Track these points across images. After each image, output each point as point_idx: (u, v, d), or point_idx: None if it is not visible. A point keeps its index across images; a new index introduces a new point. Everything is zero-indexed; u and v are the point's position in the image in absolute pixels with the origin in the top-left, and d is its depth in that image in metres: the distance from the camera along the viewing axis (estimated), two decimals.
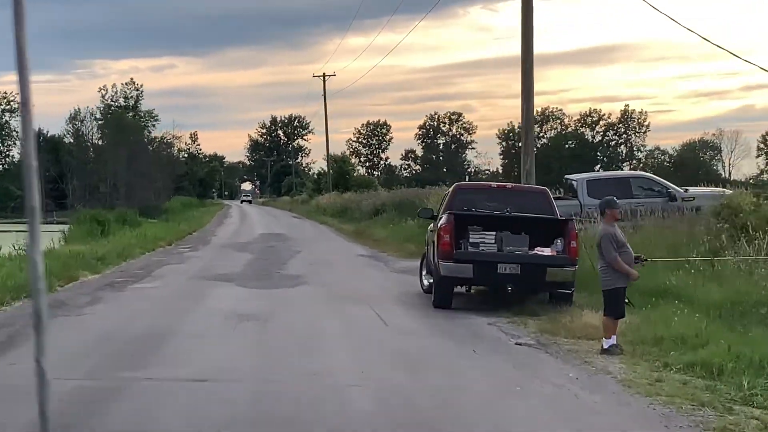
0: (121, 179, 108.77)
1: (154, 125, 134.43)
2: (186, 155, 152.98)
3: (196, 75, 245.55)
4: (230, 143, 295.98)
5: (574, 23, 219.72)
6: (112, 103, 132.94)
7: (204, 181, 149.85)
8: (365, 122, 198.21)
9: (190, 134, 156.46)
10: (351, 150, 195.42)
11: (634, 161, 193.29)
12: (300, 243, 40.14)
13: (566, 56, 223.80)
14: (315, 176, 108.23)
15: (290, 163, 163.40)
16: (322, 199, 77.03)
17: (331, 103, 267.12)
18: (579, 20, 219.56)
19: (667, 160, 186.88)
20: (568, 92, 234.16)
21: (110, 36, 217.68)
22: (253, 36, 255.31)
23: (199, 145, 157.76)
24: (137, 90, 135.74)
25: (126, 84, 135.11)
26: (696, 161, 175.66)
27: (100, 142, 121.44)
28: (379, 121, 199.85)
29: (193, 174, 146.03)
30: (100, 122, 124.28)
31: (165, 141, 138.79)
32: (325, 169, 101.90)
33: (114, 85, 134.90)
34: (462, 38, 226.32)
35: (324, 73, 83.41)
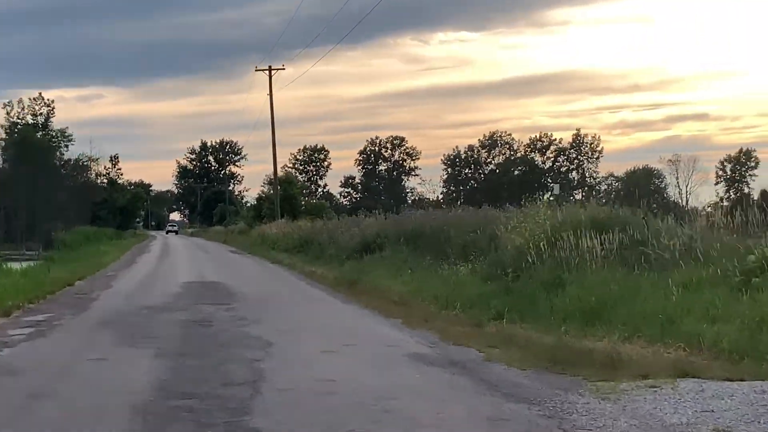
0: (22, 206, 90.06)
1: (67, 146, 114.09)
2: (105, 181, 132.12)
3: (124, 105, 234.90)
4: (159, 173, 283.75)
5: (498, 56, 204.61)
6: (19, 120, 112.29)
7: (126, 209, 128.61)
8: (302, 147, 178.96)
9: (111, 158, 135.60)
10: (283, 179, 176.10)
11: (586, 188, 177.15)
12: (256, 307, 20.92)
13: (495, 87, 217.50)
14: (255, 201, 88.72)
15: (222, 189, 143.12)
16: (269, 229, 57.82)
17: (262, 134, 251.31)
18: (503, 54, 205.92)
19: (621, 187, 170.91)
20: (497, 123, 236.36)
21: (35, 66, 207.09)
22: (183, 66, 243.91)
23: (120, 169, 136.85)
24: (48, 106, 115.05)
25: (34, 99, 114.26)
26: (647, 188, 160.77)
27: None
28: (316, 146, 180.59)
29: (113, 202, 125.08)
30: (1, 141, 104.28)
31: (80, 164, 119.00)
32: (265, 194, 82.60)
33: (21, 101, 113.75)
34: (393, 69, 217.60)
35: (270, 66, 64.57)
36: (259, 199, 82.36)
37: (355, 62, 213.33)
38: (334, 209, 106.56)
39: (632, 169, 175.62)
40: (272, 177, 79.50)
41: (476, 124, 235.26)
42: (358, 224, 36.48)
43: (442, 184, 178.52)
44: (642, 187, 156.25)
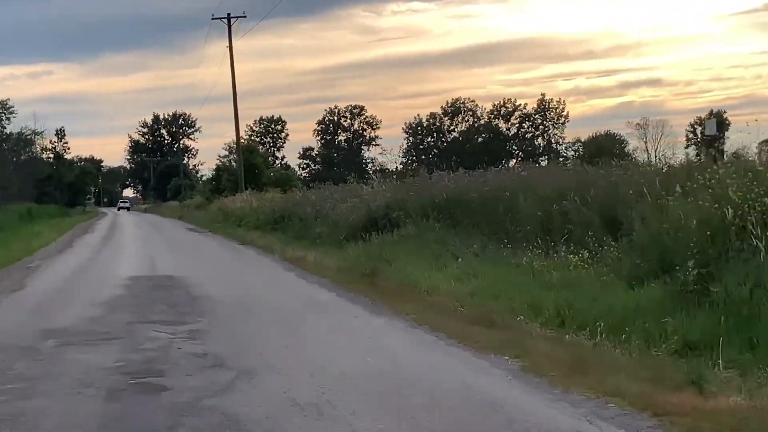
0: None
1: (8, 119, 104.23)
2: (51, 156, 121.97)
3: (75, 81, 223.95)
4: (112, 150, 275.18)
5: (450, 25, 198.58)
6: None
7: (74, 186, 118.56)
8: (258, 118, 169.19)
9: (56, 131, 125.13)
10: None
11: (552, 154, 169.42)
12: (236, 327, 12.45)
13: (449, 57, 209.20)
14: (212, 173, 79.53)
15: (176, 163, 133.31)
16: (232, 203, 48.96)
17: (216, 108, 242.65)
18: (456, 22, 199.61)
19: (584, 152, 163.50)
20: (451, 93, 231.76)
21: None
22: (133, 41, 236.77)
23: (66, 143, 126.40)
24: None
25: None
26: (612, 153, 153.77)
27: None
28: (272, 117, 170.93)
29: (60, 178, 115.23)
30: None
31: (23, 138, 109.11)
32: (223, 164, 73.67)
33: None
34: (346, 40, 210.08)
35: (229, 14, 55.26)
36: (218, 170, 73.34)
37: (308, 34, 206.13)
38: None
39: (593, 134, 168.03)
40: (231, 146, 70.60)
41: (431, 94, 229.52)
42: (357, 193, 27.84)
43: (401, 154, 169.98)
44: (607, 151, 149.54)
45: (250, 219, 40.42)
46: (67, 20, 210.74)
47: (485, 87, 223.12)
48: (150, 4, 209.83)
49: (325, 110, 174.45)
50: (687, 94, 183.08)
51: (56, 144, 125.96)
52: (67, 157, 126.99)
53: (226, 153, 72.37)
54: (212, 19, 54.47)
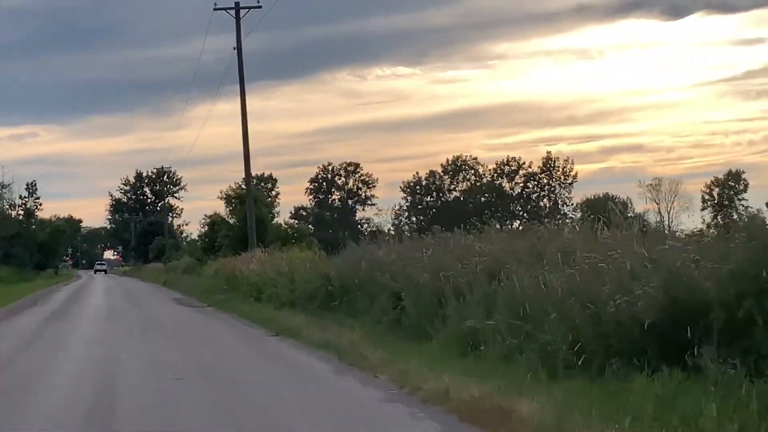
0: None
1: None
2: (22, 213, 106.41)
3: (59, 143, 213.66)
4: (93, 212, 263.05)
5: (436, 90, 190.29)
6: None
7: (46, 246, 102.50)
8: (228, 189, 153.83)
9: (27, 185, 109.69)
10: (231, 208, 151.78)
11: (559, 216, 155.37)
12: None
13: (432, 121, 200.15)
14: (204, 227, 64.13)
15: (160, 220, 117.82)
16: (242, 264, 33.34)
17: (195, 170, 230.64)
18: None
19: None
20: (435, 156, 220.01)
21: None
22: (119, 103, 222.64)
23: (38, 199, 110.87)
24: None
25: None
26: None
27: None
28: (263, 174, 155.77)
29: (31, 237, 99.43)
30: None
31: None
32: (218, 216, 58.49)
33: None
34: (331, 104, 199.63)
35: (237, 3, 39.86)
36: (212, 223, 58.28)
37: (293, 97, 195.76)
38: None
39: (592, 196, 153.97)
40: (231, 192, 55.56)
41: (415, 158, 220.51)
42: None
43: (393, 215, 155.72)
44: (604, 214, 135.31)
45: (277, 290, 25.27)
46: (50, 82, 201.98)
47: (469, 151, 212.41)
48: (135, 68, 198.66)
49: (319, 167, 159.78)
50: (668, 160, 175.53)
51: (27, 200, 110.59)
52: (40, 215, 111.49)
53: (224, 201, 57.57)
54: (214, 9, 39.06)
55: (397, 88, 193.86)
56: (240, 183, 57.05)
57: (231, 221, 55.20)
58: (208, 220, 60.25)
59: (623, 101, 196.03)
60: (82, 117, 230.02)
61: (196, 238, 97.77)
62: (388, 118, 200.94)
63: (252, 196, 40.37)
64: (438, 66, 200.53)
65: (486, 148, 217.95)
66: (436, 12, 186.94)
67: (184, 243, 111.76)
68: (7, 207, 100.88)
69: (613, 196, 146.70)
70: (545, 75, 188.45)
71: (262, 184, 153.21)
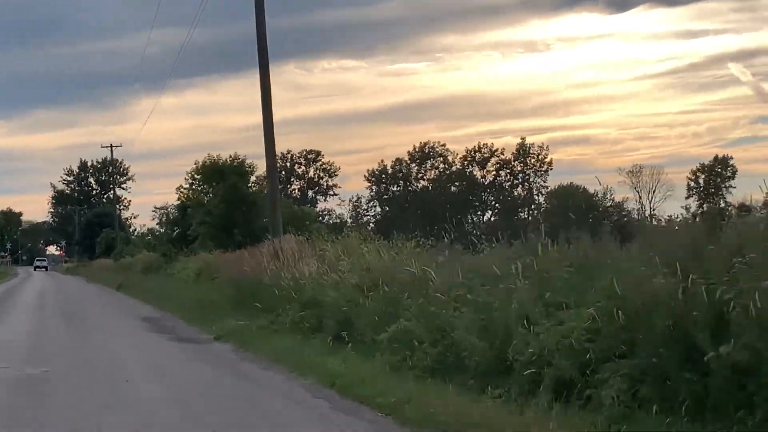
0: None
1: None
2: None
3: (1, 138, 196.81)
4: (38, 207, 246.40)
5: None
6: None
7: None
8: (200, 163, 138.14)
9: None
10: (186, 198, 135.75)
11: (533, 205, 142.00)
12: None
13: (380, 113, 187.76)
14: (172, 211, 49.05)
15: (108, 212, 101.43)
16: (267, 261, 18.51)
17: (140, 165, 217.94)
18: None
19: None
20: (384, 149, 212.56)
21: None
22: (63, 97, 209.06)
23: None
24: None
25: None
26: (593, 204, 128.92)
27: None
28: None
29: None
30: None
31: None
32: (190, 197, 43.34)
33: None
34: (277, 97, 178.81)
35: None
36: (182, 208, 43.48)
37: (237, 91, 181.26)
38: None
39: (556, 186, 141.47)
40: (208, 162, 40.92)
41: (364, 151, 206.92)
42: None
43: (350, 207, 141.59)
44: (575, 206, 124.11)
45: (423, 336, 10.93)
46: None
47: (417, 144, 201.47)
48: (79, 61, 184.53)
49: (278, 154, 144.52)
50: (614, 152, 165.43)
51: None
52: None
53: (189, 182, 42.76)
54: None
55: (343, 81, 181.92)
56: (215, 155, 42.24)
57: (207, 205, 40.24)
58: (177, 204, 45.20)
59: (570, 94, 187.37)
60: (25, 111, 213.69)
61: (146, 231, 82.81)
62: (335, 111, 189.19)
63: (275, 163, 25.12)
64: (383, 59, 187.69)
65: (434, 141, 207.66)
66: (383, 5, 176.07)
67: (134, 236, 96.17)
68: None
69: (578, 185, 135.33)
70: (492, 68, 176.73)
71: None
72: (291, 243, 19.06)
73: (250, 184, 41.03)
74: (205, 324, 18.98)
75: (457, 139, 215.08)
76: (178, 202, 45.14)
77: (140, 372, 12.94)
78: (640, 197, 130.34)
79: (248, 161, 40.69)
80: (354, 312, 12.82)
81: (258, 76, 26.57)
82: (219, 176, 39.74)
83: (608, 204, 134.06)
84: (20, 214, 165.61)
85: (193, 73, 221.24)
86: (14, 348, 16.00)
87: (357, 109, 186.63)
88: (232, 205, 38.59)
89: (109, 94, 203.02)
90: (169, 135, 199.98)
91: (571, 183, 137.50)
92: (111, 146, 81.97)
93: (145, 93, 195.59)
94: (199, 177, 41.12)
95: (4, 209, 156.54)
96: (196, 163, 41.21)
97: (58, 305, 29.64)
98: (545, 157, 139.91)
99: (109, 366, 13.53)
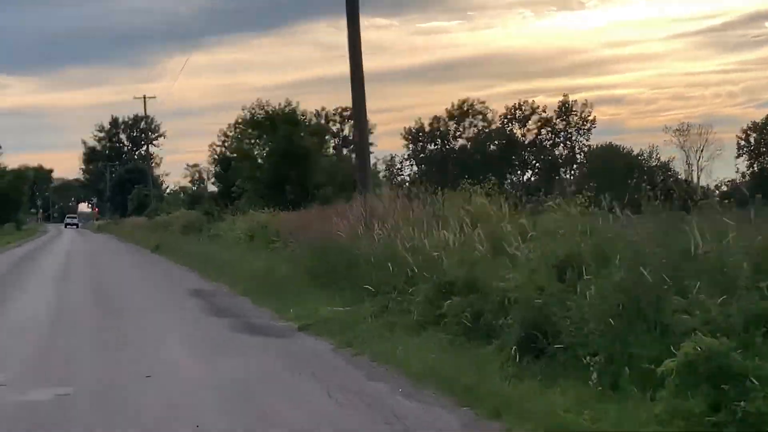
0: None
1: None
2: None
3: (33, 95, 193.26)
4: (69, 165, 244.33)
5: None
6: None
7: (5, 196, 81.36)
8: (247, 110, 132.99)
9: None
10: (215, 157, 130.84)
11: (576, 165, 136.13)
12: None
13: (412, 72, 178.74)
14: (214, 168, 44.00)
15: (140, 168, 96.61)
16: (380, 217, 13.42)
17: (170, 124, 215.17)
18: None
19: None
20: (415, 109, 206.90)
21: None
22: (94, 54, 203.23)
23: None
24: None
25: None
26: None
27: None
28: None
29: None
30: None
31: None
32: (235, 149, 37.97)
33: None
34: (307, 56, 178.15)
35: None
36: (225, 161, 38.04)
37: (269, 50, 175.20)
38: None
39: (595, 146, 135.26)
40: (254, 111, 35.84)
41: (394, 110, 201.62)
42: None
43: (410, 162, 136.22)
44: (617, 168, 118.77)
45: None
46: (23, 33, 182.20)
47: (448, 104, 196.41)
48: (110, 18, 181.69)
49: (312, 113, 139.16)
50: (647, 112, 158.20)
51: None
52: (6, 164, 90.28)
53: (234, 134, 37.50)
54: None
55: (374, 39, 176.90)
56: (264, 101, 37.01)
57: (254, 159, 35.12)
58: (219, 157, 40.09)
59: (603, 53, 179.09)
60: (56, 69, 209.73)
61: (178, 189, 78.52)
62: (366, 70, 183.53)
63: (363, 105, 19.57)
64: (416, 18, 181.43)
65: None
66: None
67: (167, 194, 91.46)
68: None
69: (618, 146, 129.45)
70: (524, 26, 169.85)
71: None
72: (391, 202, 13.93)
73: (303, 135, 35.86)
74: (279, 304, 13.95)
75: (491, 97, 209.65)
76: (218, 156, 39.99)
77: (218, 405, 7.90)
78: (687, 157, 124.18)
79: (302, 108, 35.45)
80: (553, 309, 7.69)
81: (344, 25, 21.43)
82: (269, 127, 34.57)
83: (654, 164, 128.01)
84: (51, 170, 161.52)
85: (223, 31, 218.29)
86: (18, 348, 11.04)
87: (388, 68, 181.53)
88: (284, 158, 33.45)
89: (140, 52, 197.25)
90: (200, 94, 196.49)
91: (610, 143, 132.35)
92: (144, 97, 76.83)
93: (177, 51, 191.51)
94: (247, 126, 35.90)
95: (35, 166, 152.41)
96: (243, 109, 35.95)
97: (87, 274, 24.66)
98: (588, 115, 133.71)
99: (163, 389, 8.51)
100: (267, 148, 33.99)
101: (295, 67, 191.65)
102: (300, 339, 11.45)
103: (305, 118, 35.64)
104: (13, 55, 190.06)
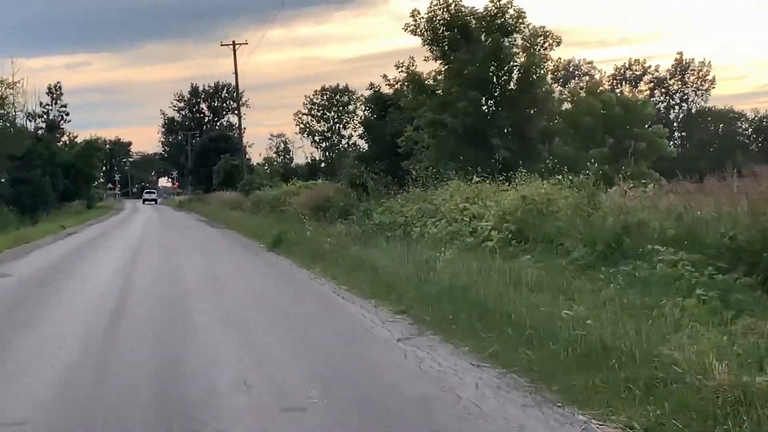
0: None
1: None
2: (44, 123, 73.05)
3: (113, 71, 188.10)
4: (149, 142, 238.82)
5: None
6: None
7: (74, 169, 68.05)
8: (320, 88, 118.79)
9: (50, 88, 76.13)
10: (302, 126, 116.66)
11: (693, 129, 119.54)
12: None
13: None
14: (375, 95, 29.73)
15: (226, 135, 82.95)
16: None
17: (249, 95, 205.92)
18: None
19: (746, 127, 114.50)
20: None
21: (21, 33, 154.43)
22: (172, 30, 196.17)
23: (65, 107, 77.35)
24: None
25: None
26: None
27: None
28: (338, 85, 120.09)
29: (52, 157, 65.22)
30: None
31: None
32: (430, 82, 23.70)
33: None
34: (382, 27, 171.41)
35: None
36: (382, 101, 24.01)
37: (344, 22, 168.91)
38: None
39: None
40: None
41: None
42: None
43: None
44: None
45: None
46: (103, 9, 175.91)
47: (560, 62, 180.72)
48: None
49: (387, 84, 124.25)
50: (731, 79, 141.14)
51: (49, 108, 77.04)
52: (65, 128, 77.58)
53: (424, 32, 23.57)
54: None
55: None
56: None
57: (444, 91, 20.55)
58: (373, 95, 25.75)
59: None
60: (134, 44, 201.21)
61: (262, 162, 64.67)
62: None
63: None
64: None
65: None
66: None
67: (257, 165, 77.97)
68: (19, 116, 66.20)
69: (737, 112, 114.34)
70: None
71: (337, 97, 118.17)
72: None
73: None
74: None
75: (578, 66, 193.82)
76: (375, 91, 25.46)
77: None
78: None
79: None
80: None
81: None
82: (465, 37, 19.90)
83: None
84: (129, 143, 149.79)
85: (301, 4, 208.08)
86: None
87: None
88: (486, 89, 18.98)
89: (217, 27, 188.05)
90: (277, 67, 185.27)
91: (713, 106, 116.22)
92: (234, 43, 62.21)
93: (256, 25, 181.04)
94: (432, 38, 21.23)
95: (113, 139, 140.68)
96: (429, 11, 21.33)
97: (157, 315, 10.35)
98: (706, 74, 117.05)
99: None
100: (461, 77, 19.51)
101: (369, 39, 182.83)
102: None
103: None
104: (92, 32, 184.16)
